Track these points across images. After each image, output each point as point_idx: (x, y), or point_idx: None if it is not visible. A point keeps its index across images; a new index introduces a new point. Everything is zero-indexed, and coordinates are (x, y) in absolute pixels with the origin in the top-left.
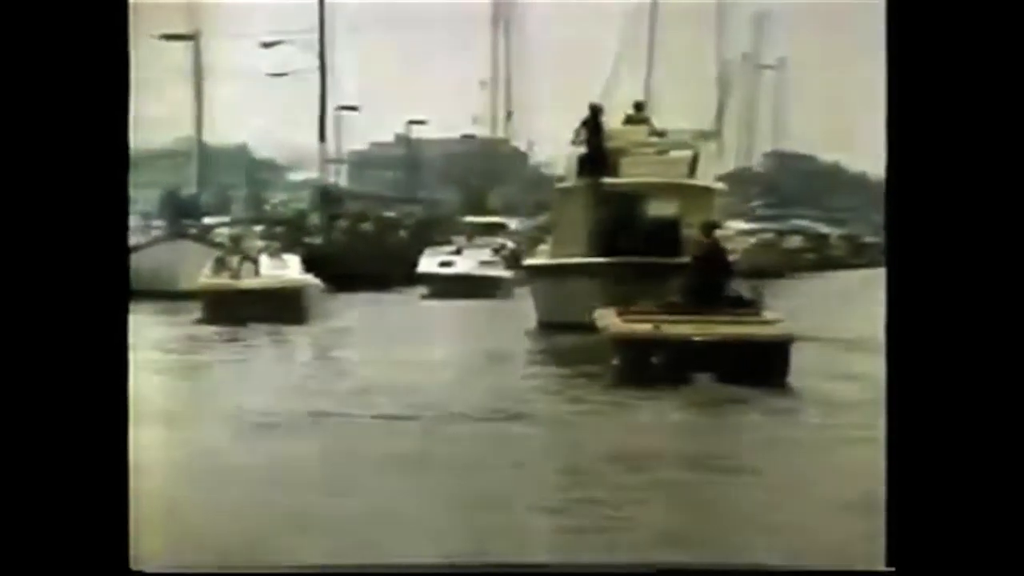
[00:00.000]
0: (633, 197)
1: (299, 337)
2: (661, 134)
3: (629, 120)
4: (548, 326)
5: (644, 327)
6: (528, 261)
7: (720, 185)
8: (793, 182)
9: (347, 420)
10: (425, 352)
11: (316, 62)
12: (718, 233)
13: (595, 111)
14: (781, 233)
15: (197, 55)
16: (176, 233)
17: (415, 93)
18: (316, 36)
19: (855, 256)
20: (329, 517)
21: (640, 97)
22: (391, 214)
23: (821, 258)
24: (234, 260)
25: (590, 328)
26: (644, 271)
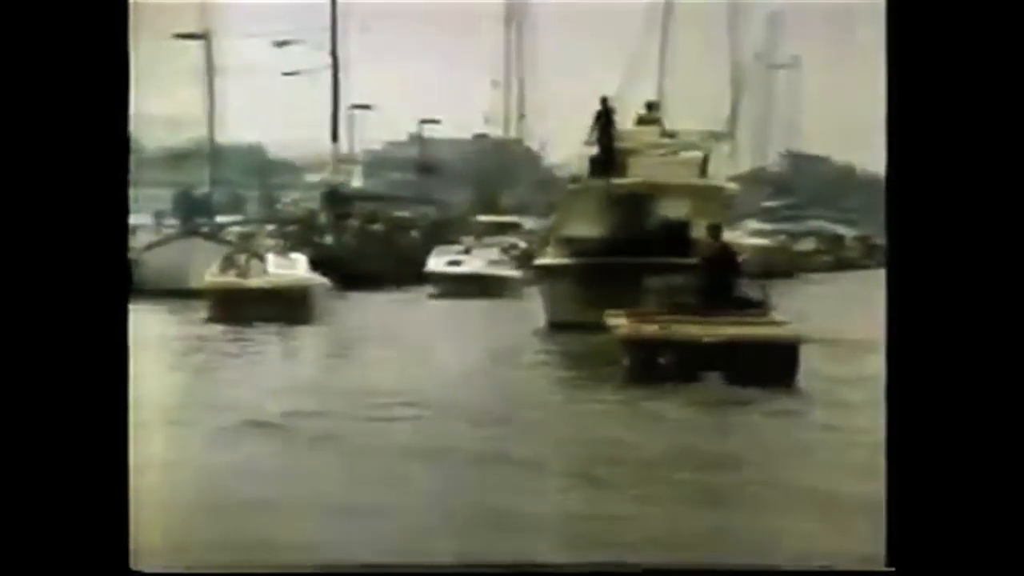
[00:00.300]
0: (643, 197)
1: (303, 337)
2: (672, 135)
3: (641, 121)
4: (557, 326)
5: (653, 328)
6: (538, 261)
7: (732, 186)
8: (807, 183)
9: (339, 421)
10: (425, 352)
11: (329, 61)
12: (728, 234)
13: (606, 105)
14: (794, 235)
15: (209, 54)
16: (189, 231)
17: (428, 92)
18: (328, 35)
19: (867, 257)
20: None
21: (653, 98)
22: (403, 214)
23: (836, 259)
24: (241, 258)
25: (599, 328)
26: (653, 271)
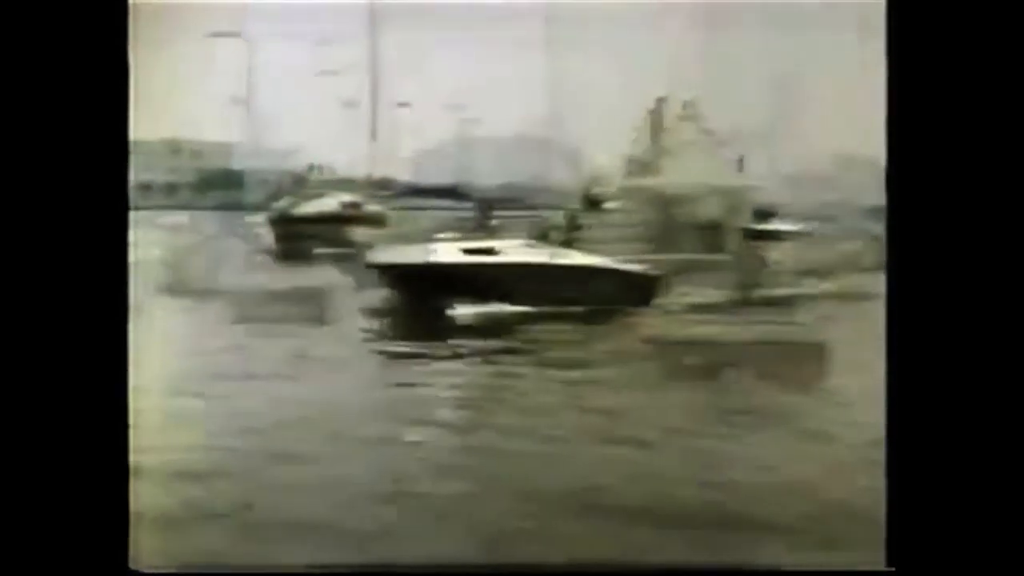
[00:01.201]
0: (677, 196)
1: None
2: (709, 134)
3: (678, 119)
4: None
5: (677, 327)
6: None
7: (767, 185)
8: (850, 182)
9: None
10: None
11: (368, 61)
12: (763, 232)
13: (660, 105)
14: (836, 234)
15: (249, 55)
16: (227, 232)
17: (468, 92)
18: (368, 35)
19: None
20: None
21: (694, 96)
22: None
23: (877, 259)
24: (269, 258)
25: (627, 326)
26: (686, 269)
